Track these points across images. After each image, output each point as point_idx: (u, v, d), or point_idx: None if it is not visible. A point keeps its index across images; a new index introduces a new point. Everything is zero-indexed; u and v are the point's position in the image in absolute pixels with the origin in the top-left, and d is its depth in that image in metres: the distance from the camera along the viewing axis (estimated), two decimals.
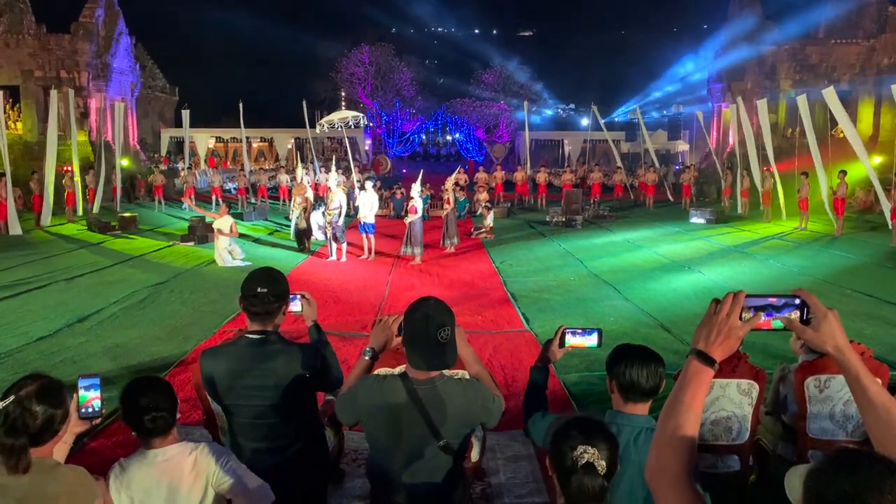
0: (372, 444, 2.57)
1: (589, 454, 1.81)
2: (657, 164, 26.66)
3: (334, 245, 13.94)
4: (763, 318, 1.47)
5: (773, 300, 1.48)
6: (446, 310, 2.42)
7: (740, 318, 1.46)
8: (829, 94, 17.27)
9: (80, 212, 21.04)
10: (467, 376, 2.63)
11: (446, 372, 2.49)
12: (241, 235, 14.86)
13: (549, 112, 45.74)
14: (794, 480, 1.36)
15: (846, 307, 9.20)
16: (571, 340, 2.72)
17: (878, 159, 24.15)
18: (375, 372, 2.61)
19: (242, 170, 27.44)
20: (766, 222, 19.59)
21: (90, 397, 2.34)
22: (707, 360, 1.46)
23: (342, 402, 2.54)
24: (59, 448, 2.37)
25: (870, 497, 1.14)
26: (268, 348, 2.76)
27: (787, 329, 1.50)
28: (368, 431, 2.53)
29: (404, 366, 2.50)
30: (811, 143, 18.01)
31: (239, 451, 2.81)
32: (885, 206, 17.19)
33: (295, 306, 2.96)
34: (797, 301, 1.48)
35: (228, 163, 38.15)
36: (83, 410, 2.32)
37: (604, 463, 1.82)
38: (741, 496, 3.98)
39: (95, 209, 21.70)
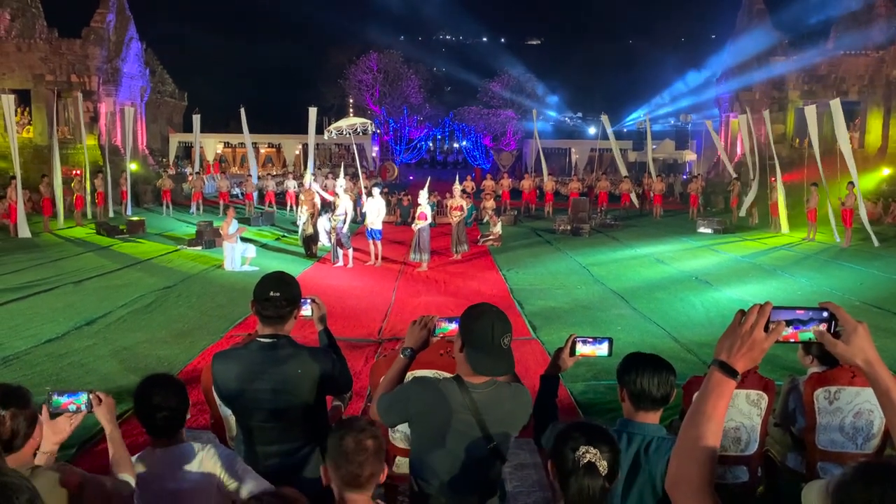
0: (419, 445, 2.59)
1: (591, 454, 1.82)
2: (654, 175, 26.68)
3: (340, 251, 13.95)
4: (790, 330, 1.46)
5: (800, 313, 1.47)
6: (507, 318, 2.48)
7: (765, 329, 1.45)
8: (835, 106, 17.21)
9: (88, 215, 21.14)
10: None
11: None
12: (250, 241, 14.89)
13: (549, 122, 45.66)
14: (812, 496, 1.35)
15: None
16: (582, 349, 2.72)
17: (886, 171, 24.10)
18: (412, 374, 2.63)
19: (250, 175, 27.55)
20: (774, 233, 19.54)
21: (65, 402, 2.38)
22: (729, 371, 1.45)
23: (389, 402, 2.55)
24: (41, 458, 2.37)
25: None
26: (279, 352, 2.76)
27: (813, 341, 1.49)
28: (417, 433, 2.57)
29: (421, 370, 2.50)
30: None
31: (248, 455, 2.82)
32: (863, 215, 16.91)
33: (305, 311, 2.97)
34: (825, 314, 1.47)
35: (236, 168, 38.31)
36: (72, 406, 2.36)
37: (605, 464, 1.83)
38: None
39: (109, 213, 21.82)
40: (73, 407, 2.38)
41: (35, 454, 2.31)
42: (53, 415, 2.37)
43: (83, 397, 2.39)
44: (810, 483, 1.39)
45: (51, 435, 2.35)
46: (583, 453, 1.82)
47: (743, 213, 22.14)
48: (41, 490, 1.99)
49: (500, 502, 2.64)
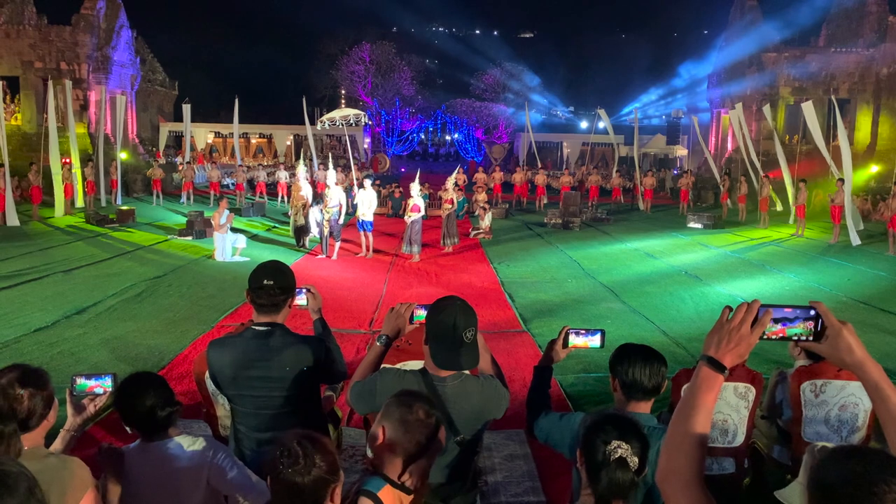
0: None
1: (623, 449, 1.86)
2: (639, 171, 26.75)
3: (337, 244, 13.94)
4: (778, 327, 1.49)
5: (787, 311, 1.50)
6: (472, 311, 2.46)
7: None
8: (816, 105, 17.32)
9: (78, 203, 20.95)
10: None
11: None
12: (240, 231, 14.84)
13: (540, 116, 45.56)
14: (790, 492, 1.38)
15: (841, 315, 9.24)
16: (575, 341, 2.75)
17: (875, 168, 24.28)
18: (403, 365, 2.63)
19: (241, 165, 27.41)
20: (764, 228, 19.67)
21: (91, 385, 2.44)
22: (717, 366, 1.48)
23: (359, 390, 2.56)
24: (59, 437, 2.41)
25: (874, 486, 1.19)
26: (274, 340, 2.78)
27: (800, 337, 1.51)
28: None
29: (413, 361, 2.52)
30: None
31: (242, 441, 2.84)
32: (851, 222, 16.83)
33: (300, 300, 2.98)
34: (812, 312, 1.50)
35: (227, 158, 38.09)
36: (98, 389, 2.42)
37: (636, 459, 1.87)
38: (735, 498, 4.02)
39: (102, 202, 21.67)
40: (99, 390, 2.44)
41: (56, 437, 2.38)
42: (78, 398, 2.43)
43: (109, 379, 2.44)
44: (794, 483, 1.42)
45: (74, 414, 2.41)
46: (614, 448, 1.85)
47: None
48: (59, 476, 2.04)
49: (473, 494, 2.63)
